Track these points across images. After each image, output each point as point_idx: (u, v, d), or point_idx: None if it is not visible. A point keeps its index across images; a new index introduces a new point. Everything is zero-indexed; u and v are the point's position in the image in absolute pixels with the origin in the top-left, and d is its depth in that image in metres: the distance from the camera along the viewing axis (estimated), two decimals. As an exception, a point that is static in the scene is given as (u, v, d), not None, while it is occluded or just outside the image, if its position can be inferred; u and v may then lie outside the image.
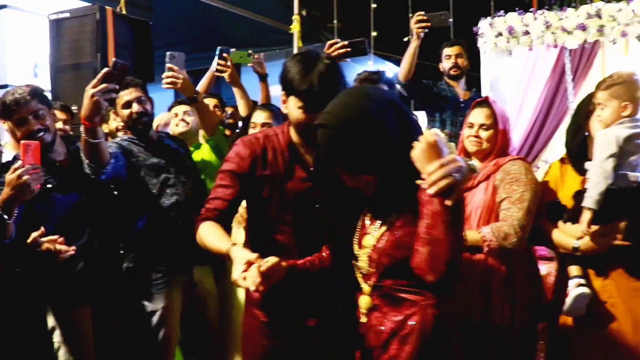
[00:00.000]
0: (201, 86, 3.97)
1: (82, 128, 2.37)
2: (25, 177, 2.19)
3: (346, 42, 2.89)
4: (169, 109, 3.77)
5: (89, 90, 2.28)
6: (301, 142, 2.04)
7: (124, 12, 5.04)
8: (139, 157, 2.83)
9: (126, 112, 2.86)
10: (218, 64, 3.45)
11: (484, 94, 5.21)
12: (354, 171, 1.73)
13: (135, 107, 2.85)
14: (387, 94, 1.87)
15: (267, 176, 2.01)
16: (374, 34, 7.99)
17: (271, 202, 2.03)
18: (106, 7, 4.18)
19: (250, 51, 3.66)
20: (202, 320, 3.01)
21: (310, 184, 2.03)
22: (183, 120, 3.56)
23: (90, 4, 4.65)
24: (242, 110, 3.61)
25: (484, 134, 2.64)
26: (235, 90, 3.62)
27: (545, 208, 2.64)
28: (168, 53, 3.03)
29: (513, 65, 5.15)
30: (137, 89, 2.92)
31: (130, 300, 2.84)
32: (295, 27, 7.28)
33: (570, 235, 2.52)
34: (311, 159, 2.05)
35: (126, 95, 2.86)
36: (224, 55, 3.46)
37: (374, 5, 7.65)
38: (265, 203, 2.03)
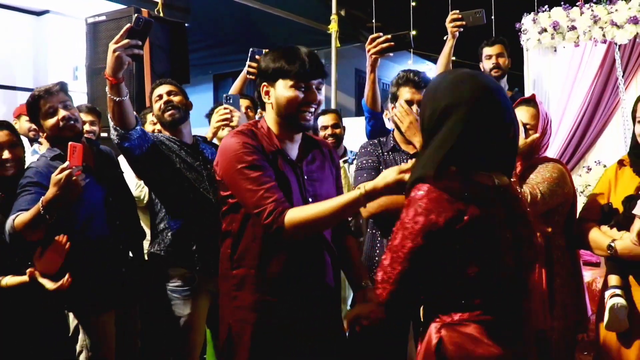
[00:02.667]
0: (234, 88, 3.93)
1: (107, 87, 2.40)
2: (73, 178, 2.19)
3: (389, 36, 2.79)
4: (207, 117, 3.68)
5: (112, 46, 2.29)
6: (283, 133, 2.00)
7: (161, 14, 5.07)
8: (173, 154, 2.81)
9: (157, 105, 2.89)
10: (249, 66, 3.40)
11: (527, 93, 5.04)
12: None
13: (164, 98, 2.87)
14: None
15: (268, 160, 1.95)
16: (413, 32, 7.89)
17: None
18: (142, 9, 4.19)
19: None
20: None
21: (294, 176, 1.99)
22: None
23: (126, 7, 4.68)
24: None
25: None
26: None
27: (598, 211, 2.50)
28: (224, 95, 3.06)
29: (558, 63, 4.95)
30: (172, 85, 2.94)
31: (156, 305, 2.81)
32: (333, 27, 7.26)
33: (608, 235, 2.38)
34: (293, 152, 2.03)
35: (159, 90, 2.90)
36: (256, 57, 3.41)
37: (413, 4, 7.55)
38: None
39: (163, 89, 2.90)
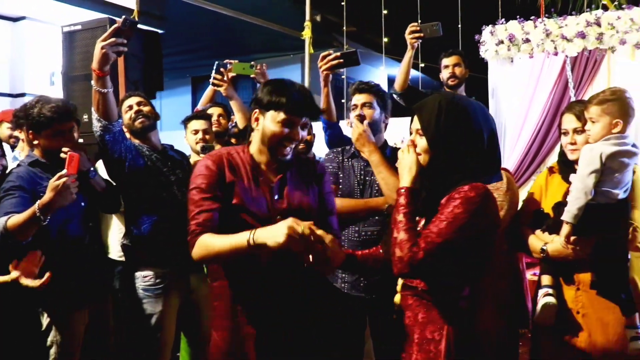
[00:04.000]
0: (204, 100, 4.08)
1: (93, 80, 2.59)
2: (69, 184, 2.40)
3: (339, 54, 3.01)
4: (183, 123, 3.75)
5: (99, 43, 2.50)
6: (266, 161, 2.09)
7: (136, 18, 5.18)
8: (146, 160, 2.96)
9: (127, 115, 3.04)
10: (214, 78, 3.54)
11: (488, 100, 5.29)
12: (425, 130, 1.86)
13: (134, 108, 3.04)
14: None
15: (235, 183, 2.04)
16: (385, 39, 8.12)
17: (241, 209, 2.03)
18: (116, 19, 4.30)
19: (252, 62, 3.75)
20: (195, 326, 3.08)
21: (274, 201, 2.06)
22: (203, 139, 3.57)
23: (103, 15, 4.80)
24: (240, 123, 3.65)
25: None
26: (233, 104, 3.67)
27: (530, 216, 2.70)
28: (201, 146, 3.30)
29: (515, 73, 5.21)
30: (140, 96, 3.12)
31: (128, 302, 2.94)
32: (306, 34, 7.42)
33: (542, 239, 2.57)
34: (274, 177, 2.10)
35: (129, 101, 3.07)
36: (221, 70, 3.56)
37: (385, 12, 7.77)
38: (236, 211, 2.04)
39: (133, 100, 3.07)
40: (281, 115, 1.98)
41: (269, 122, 2.01)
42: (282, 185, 2.10)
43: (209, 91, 3.97)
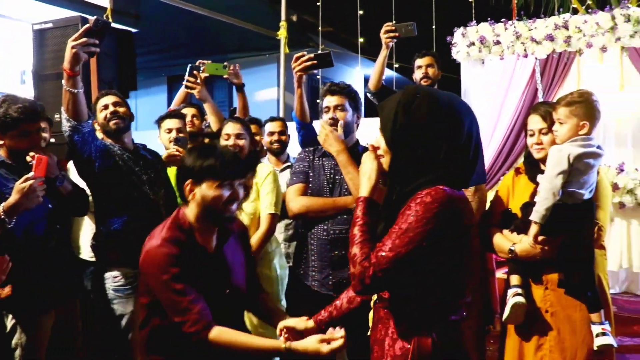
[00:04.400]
0: (176, 102, 4.05)
1: (64, 79, 2.55)
2: (35, 187, 2.37)
3: (312, 55, 3.02)
4: (157, 123, 3.71)
5: (70, 43, 2.47)
6: (204, 227, 2.09)
7: (110, 20, 5.14)
8: (117, 159, 2.93)
9: (102, 114, 3.00)
10: (187, 81, 3.54)
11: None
12: (383, 129, 1.72)
13: (110, 108, 2.99)
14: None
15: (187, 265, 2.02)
16: (361, 40, 8.15)
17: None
18: (88, 17, 4.26)
19: (226, 63, 3.74)
20: None
21: (213, 270, 2.10)
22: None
23: (75, 14, 4.75)
24: (214, 126, 3.64)
25: None
26: (206, 106, 3.68)
27: (498, 216, 2.73)
28: (174, 137, 3.27)
29: (486, 75, 5.28)
30: (116, 96, 3.07)
31: (99, 302, 2.92)
32: (282, 34, 7.44)
33: (509, 239, 2.60)
34: (211, 244, 2.12)
35: (104, 100, 3.02)
36: (194, 72, 3.55)
37: (360, 12, 7.80)
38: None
39: (109, 100, 3.02)
40: (217, 183, 2.01)
41: (206, 190, 2.02)
42: (223, 258, 2.14)
43: (182, 92, 3.96)
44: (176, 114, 3.62)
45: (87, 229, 3.39)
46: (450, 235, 1.59)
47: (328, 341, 1.82)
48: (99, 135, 3.15)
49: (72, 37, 2.50)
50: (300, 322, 2.01)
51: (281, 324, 2.04)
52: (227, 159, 2.04)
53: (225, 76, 3.64)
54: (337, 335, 1.83)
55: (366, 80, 4.16)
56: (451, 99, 1.69)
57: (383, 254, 1.55)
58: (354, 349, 2.78)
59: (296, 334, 1.99)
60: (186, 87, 3.54)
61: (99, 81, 4.19)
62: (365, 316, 2.13)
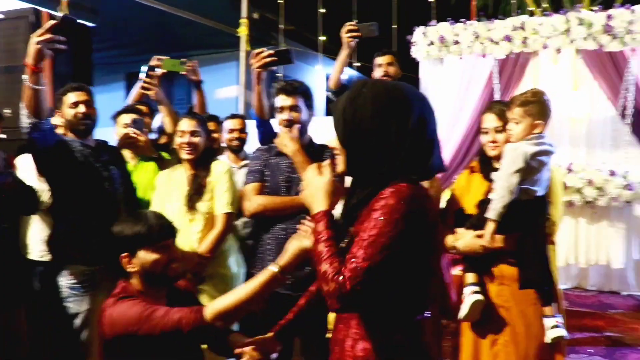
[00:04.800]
0: (130, 99, 3.98)
1: (26, 75, 2.46)
2: None
3: (272, 51, 2.98)
4: (113, 118, 3.65)
5: (34, 38, 2.39)
6: (152, 295, 2.06)
7: (67, 14, 5.01)
8: (78, 155, 2.86)
9: (72, 111, 2.94)
10: (144, 82, 3.47)
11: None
12: (335, 127, 1.63)
13: (82, 108, 2.93)
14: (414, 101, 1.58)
15: None
16: (322, 38, 8.15)
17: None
18: (41, 9, 4.15)
19: (183, 59, 3.68)
20: None
21: None
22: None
23: (27, 5, 4.62)
24: (169, 127, 3.55)
25: None
26: (161, 108, 3.58)
27: (452, 214, 2.75)
28: (131, 118, 3.20)
29: (445, 74, 5.35)
30: (87, 94, 3.01)
31: (55, 301, 2.83)
32: (242, 31, 7.37)
33: (454, 237, 2.64)
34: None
35: (75, 96, 2.94)
36: (150, 73, 3.49)
37: (322, 11, 7.80)
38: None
39: (80, 97, 2.95)
40: (153, 247, 2.02)
41: (145, 257, 2.03)
42: None
43: (136, 91, 3.86)
44: (132, 109, 3.55)
45: (35, 228, 3.29)
46: (418, 234, 1.50)
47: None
48: (60, 130, 3.08)
49: (37, 33, 2.42)
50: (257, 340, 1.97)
51: (238, 351, 1.97)
52: (155, 222, 2.06)
53: (182, 72, 3.58)
54: (306, 227, 1.84)
55: (327, 79, 4.15)
56: (398, 86, 1.60)
57: (357, 265, 1.43)
58: (313, 351, 2.80)
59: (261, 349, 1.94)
60: (142, 88, 3.47)
61: (53, 76, 4.09)
62: (324, 317, 2.10)
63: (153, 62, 3.52)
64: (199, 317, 1.88)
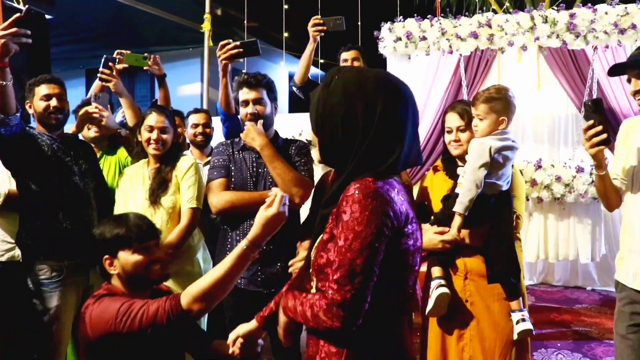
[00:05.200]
0: (91, 93, 3.86)
1: None
2: None
3: (238, 43, 2.91)
4: (75, 112, 3.56)
5: None
6: (132, 295, 2.04)
7: (20, 4, 4.84)
8: (45, 146, 2.78)
9: (43, 104, 2.86)
10: (102, 73, 3.36)
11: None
12: (310, 116, 1.59)
13: (54, 102, 2.86)
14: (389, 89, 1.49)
15: None
16: (285, 34, 8.10)
17: None
18: (-4, 0, 3.99)
19: (146, 54, 3.57)
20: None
21: None
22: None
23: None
24: (130, 120, 3.46)
25: None
26: (122, 101, 3.48)
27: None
28: (94, 94, 3.12)
29: (412, 70, 5.35)
30: (60, 87, 2.93)
31: (23, 297, 2.77)
32: (205, 26, 7.25)
33: (432, 235, 2.59)
34: None
35: (47, 89, 2.87)
36: (110, 64, 3.38)
37: (286, 7, 7.75)
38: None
39: (53, 90, 2.88)
40: (133, 249, 2.02)
41: (125, 259, 2.03)
42: None
43: (96, 84, 3.74)
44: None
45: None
46: (391, 228, 1.42)
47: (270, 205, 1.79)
48: (26, 123, 2.98)
49: (1, 27, 2.30)
50: (243, 328, 1.89)
51: (231, 337, 1.89)
52: (134, 223, 2.06)
53: (145, 67, 3.48)
54: (272, 193, 1.80)
55: (291, 76, 4.08)
56: (372, 73, 1.51)
57: (342, 277, 1.38)
58: (283, 350, 2.74)
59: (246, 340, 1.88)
60: (100, 79, 3.36)
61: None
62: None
63: (114, 56, 3.41)
64: (174, 303, 1.86)
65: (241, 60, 2.89)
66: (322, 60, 8.26)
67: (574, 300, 5.19)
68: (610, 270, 5.35)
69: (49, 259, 2.75)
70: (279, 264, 2.69)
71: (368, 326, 1.46)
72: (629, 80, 2.37)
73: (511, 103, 2.56)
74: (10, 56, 2.35)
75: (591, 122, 2.21)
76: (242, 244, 1.84)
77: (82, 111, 3.15)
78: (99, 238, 2.05)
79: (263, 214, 1.79)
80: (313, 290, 1.61)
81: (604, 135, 2.19)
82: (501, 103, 2.53)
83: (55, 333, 2.74)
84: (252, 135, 2.64)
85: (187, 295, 1.86)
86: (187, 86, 9.95)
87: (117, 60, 3.39)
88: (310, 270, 1.64)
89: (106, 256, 2.03)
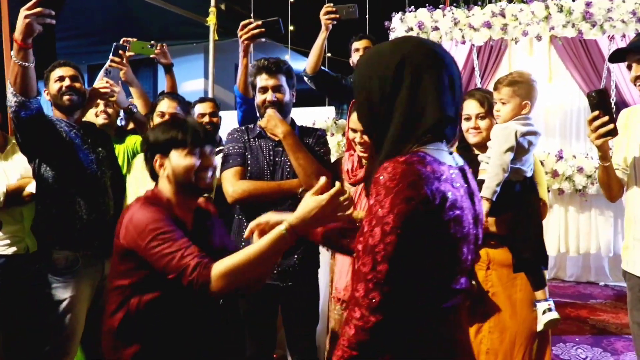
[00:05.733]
0: (99, 79, 3.79)
1: (14, 51, 2.33)
2: None
3: (260, 22, 2.81)
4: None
5: (23, 12, 2.25)
6: (180, 203, 1.98)
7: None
8: (64, 135, 2.72)
9: (57, 86, 2.81)
10: (112, 61, 3.28)
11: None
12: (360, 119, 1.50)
13: (67, 82, 2.81)
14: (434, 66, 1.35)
15: None
16: (291, 28, 8.00)
17: None
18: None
19: (152, 42, 3.50)
20: (103, 314, 2.86)
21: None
22: (104, 112, 3.39)
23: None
24: (141, 110, 3.43)
25: (368, 137, 2.55)
26: (132, 90, 3.45)
27: None
28: (104, 68, 3.04)
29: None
30: (74, 69, 2.89)
31: (31, 289, 2.75)
32: (211, 20, 7.15)
33: None
34: (190, 219, 2.01)
35: (61, 71, 2.83)
36: (120, 52, 3.30)
37: (291, 0, 7.66)
38: None
39: (66, 72, 2.83)
40: (185, 151, 1.93)
41: (177, 161, 1.94)
42: (204, 236, 2.00)
43: (101, 75, 3.66)
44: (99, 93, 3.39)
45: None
46: (419, 214, 1.25)
47: (320, 191, 1.64)
48: (47, 110, 2.90)
49: (26, 7, 2.25)
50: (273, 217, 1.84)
51: (252, 225, 1.84)
52: (193, 126, 1.97)
53: (152, 55, 3.41)
54: (322, 180, 1.66)
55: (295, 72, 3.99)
56: (397, 41, 1.41)
57: (366, 266, 1.26)
58: (293, 322, 2.69)
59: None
60: (110, 66, 3.29)
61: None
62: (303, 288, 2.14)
63: (122, 41, 3.34)
64: (204, 275, 1.70)
65: (263, 39, 2.80)
66: (329, 54, 8.16)
67: (588, 296, 5.11)
68: (623, 264, 5.27)
69: (64, 248, 2.69)
70: (295, 256, 2.60)
71: (402, 322, 1.30)
72: (629, 67, 2.33)
73: (534, 88, 2.52)
74: (34, 37, 2.31)
75: (596, 113, 2.15)
76: (282, 228, 1.69)
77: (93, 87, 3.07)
78: (154, 138, 1.96)
79: (312, 200, 1.65)
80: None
81: (611, 126, 2.13)
82: (524, 87, 2.49)
83: (69, 325, 2.68)
84: (274, 122, 2.52)
85: (218, 269, 1.72)
86: (190, 82, 9.87)
87: (127, 47, 3.32)
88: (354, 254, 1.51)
89: (158, 155, 1.95)
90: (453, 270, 1.35)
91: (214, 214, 2.16)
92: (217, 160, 3.45)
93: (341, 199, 1.65)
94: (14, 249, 3.03)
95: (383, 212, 1.24)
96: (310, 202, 1.66)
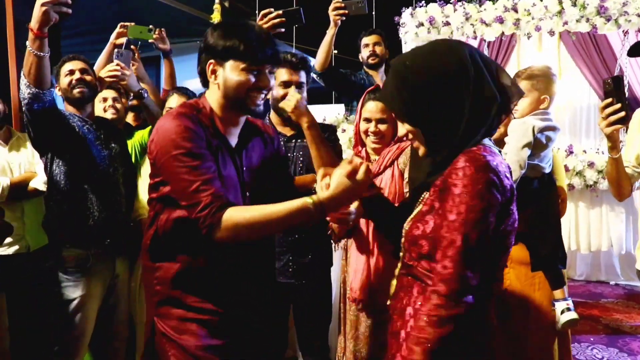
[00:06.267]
0: (99, 64, 3.71)
1: (29, 40, 2.24)
2: None
3: (280, 12, 2.74)
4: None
5: (40, 1, 2.16)
6: (226, 117, 1.84)
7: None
8: (77, 130, 2.66)
9: (67, 79, 2.75)
10: (117, 64, 3.24)
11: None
12: (398, 115, 1.52)
13: (77, 74, 2.75)
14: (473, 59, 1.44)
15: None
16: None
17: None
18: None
19: (151, 26, 3.42)
20: (113, 313, 2.81)
21: (233, 167, 1.85)
22: (113, 106, 3.32)
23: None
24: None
25: (383, 127, 2.43)
26: (143, 86, 3.30)
27: None
28: (116, 50, 2.96)
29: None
30: (84, 62, 2.82)
31: (48, 286, 2.67)
32: (215, 17, 7.11)
33: None
34: (233, 138, 1.88)
35: (71, 65, 2.77)
36: (132, 47, 3.25)
37: (297, -3, 7.62)
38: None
39: (76, 65, 2.77)
40: (243, 65, 1.74)
41: (230, 73, 1.76)
42: (248, 152, 1.90)
43: (103, 58, 3.53)
44: (109, 85, 3.32)
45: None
46: (499, 204, 1.39)
47: (353, 172, 1.56)
48: (60, 104, 2.84)
49: None
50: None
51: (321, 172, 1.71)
52: (259, 39, 1.76)
53: (150, 40, 3.35)
54: (357, 160, 1.58)
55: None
56: (444, 45, 1.50)
57: (456, 252, 1.35)
58: (305, 321, 2.64)
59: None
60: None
61: (16, 52, 3.87)
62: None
63: (118, 30, 3.25)
64: (214, 216, 1.61)
65: (283, 30, 2.71)
66: (335, 51, 8.10)
67: (599, 295, 5.04)
68: (634, 263, 5.20)
69: (75, 246, 2.64)
70: (310, 255, 2.57)
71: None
72: None
73: (553, 82, 2.47)
74: (50, 26, 2.22)
75: (609, 100, 2.08)
76: (308, 200, 1.58)
77: (102, 71, 2.99)
78: (212, 41, 1.77)
79: (344, 178, 1.56)
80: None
81: (622, 114, 2.06)
82: (543, 81, 2.44)
83: (79, 325, 2.63)
84: (301, 110, 2.30)
85: (230, 218, 1.62)
86: (194, 80, 9.80)
87: (139, 43, 3.27)
88: (403, 241, 1.57)
89: (213, 61, 1.78)
90: (504, 260, 1.50)
91: (266, 132, 2.03)
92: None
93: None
94: (15, 247, 3.00)
95: (474, 201, 1.34)
96: (344, 182, 1.56)
